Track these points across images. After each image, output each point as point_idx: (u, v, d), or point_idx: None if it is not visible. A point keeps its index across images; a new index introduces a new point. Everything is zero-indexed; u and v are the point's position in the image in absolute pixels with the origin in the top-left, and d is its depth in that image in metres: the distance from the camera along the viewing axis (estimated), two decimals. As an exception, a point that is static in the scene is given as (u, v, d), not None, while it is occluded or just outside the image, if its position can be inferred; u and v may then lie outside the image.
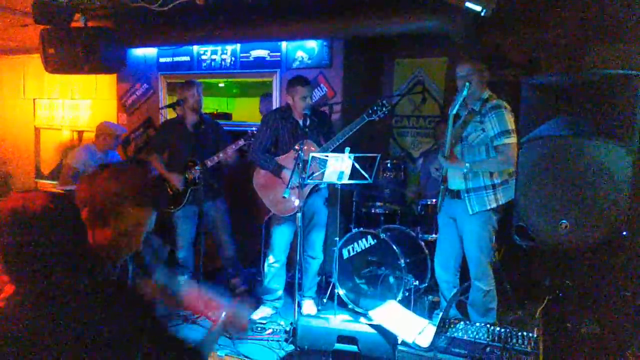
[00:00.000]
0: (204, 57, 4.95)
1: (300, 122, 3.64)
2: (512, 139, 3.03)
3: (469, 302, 3.31)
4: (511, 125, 3.06)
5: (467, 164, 3.09)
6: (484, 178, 3.14)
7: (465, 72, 3.18)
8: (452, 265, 3.38)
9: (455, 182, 3.23)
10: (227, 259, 4.26)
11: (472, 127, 3.17)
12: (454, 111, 3.11)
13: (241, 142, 3.89)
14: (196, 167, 3.98)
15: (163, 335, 1.45)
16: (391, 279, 3.71)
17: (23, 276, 1.25)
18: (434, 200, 3.98)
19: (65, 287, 1.24)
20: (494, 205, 3.13)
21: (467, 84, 3.10)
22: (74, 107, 6.12)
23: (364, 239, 3.83)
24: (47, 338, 1.19)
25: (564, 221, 3.18)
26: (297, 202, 3.51)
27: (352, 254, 3.87)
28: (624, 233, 3.30)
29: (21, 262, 1.23)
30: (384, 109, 3.51)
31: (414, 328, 2.97)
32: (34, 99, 6.40)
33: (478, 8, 3.15)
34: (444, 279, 3.42)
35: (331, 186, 3.72)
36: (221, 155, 3.94)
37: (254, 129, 3.91)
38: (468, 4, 3.13)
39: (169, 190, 4.06)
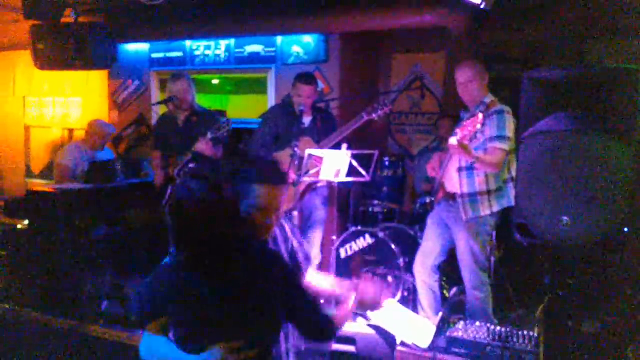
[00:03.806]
0: (196, 52, 4.87)
1: (301, 119, 3.57)
2: (504, 145, 2.92)
3: (466, 309, 3.25)
4: (509, 131, 2.95)
5: (476, 155, 2.92)
6: (478, 183, 3.02)
7: (464, 79, 3.07)
8: (430, 265, 3.29)
9: (452, 184, 3.13)
10: None
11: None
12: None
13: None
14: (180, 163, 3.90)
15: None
16: (389, 278, 3.65)
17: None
18: (432, 198, 3.92)
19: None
20: (487, 212, 3.02)
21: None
22: (64, 105, 6.01)
23: (361, 238, 3.77)
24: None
25: (564, 217, 3.14)
26: (292, 200, 3.44)
27: (349, 253, 3.81)
28: (626, 229, 3.26)
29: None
30: (384, 107, 3.43)
31: (413, 328, 2.92)
32: (23, 97, 6.29)
33: (477, 1, 3.09)
34: (421, 278, 3.32)
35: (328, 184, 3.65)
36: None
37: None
38: (467, -3, 3.08)
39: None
